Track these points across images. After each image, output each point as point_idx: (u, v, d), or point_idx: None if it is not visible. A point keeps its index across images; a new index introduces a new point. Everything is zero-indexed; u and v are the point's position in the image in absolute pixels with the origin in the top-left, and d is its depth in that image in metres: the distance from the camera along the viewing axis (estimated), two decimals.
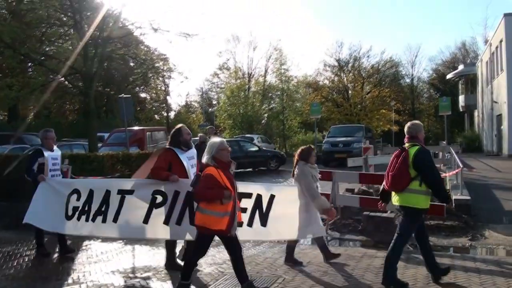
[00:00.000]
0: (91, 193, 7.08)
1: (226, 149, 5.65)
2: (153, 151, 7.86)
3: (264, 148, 25.86)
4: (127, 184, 7.06)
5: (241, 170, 21.43)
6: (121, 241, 8.75)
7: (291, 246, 7.23)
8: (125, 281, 6.58)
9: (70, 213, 7.15)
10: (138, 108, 46.32)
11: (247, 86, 48.96)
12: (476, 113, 48.09)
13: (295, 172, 6.99)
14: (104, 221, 6.94)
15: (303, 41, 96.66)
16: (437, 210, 8.82)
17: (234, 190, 5.61)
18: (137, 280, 6.62)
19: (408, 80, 66.95)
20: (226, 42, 57.27)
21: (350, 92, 57.65)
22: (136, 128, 24.08)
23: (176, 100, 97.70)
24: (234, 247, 5.67)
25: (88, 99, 19.06)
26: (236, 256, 5.67)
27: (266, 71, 51.54)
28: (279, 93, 44.63)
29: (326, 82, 60.01)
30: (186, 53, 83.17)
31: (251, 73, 53.08)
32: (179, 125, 7.04)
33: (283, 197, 6.87)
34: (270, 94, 46.90)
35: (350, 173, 11.29)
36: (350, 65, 58.47)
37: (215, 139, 5.82)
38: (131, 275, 6.89)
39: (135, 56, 26.39)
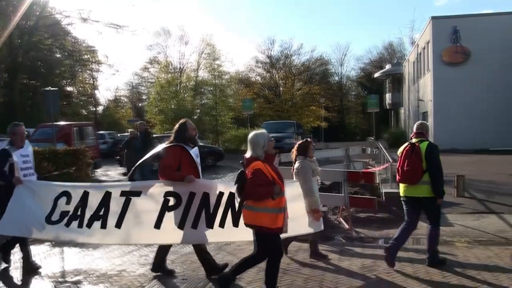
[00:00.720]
0: (85, 196, 6.28)
1: (272, 140, 5.34)
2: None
3: (201, 143, 25.45)
4: (132, 185, 6.33)
5: None
6: (49, 243, 8.20)
7: (315, 240, 7.00)
8: (55, 286, 6.12)
9: (55, 218, 6.27)
10: (64, 102, 44.38)
11: (178, 80, 48.20)
12: (402, 110, 49.96)
13: (295, 167, 6.66)
14: (103, 226, 6.15)
15: (236, 37, 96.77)
16: (368, 203, 9.23)
17: (283, 183, 5.22)
18: (67, 284, 6.18)
19: (337, 78, 68.81)
20: (156, 36, 55.90)
21: (281, 88, 58.36)
22: (62, 123, 23.00)
23: (104, 94, 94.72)
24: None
25: (12, 92, 18.00)
26: (258, 257, 5.36)
27: (198, 66, 51.11)
28: (211, 88, 44.30)
29: (258, 78, 60.44)
30: (115, 46, 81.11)
31: (183, 67, 52.44)
32: (184, 120, 6.38)
33: (292, 193, 6.30)
34: (202, 89, 46.48)
35: (283, 169, 11.10)
36: (281, 62, 59.15)
37: (259, 131, 5.45)
38: (60, 279, 6.43)
39: (63, 47, 25.29)
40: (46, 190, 6.55)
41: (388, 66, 53.97)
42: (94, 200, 6.21)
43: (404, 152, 6.41)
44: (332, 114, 57.83)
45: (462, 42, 31.59)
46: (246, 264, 5.39)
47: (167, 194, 5.98)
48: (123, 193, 6.13)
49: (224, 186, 6.20)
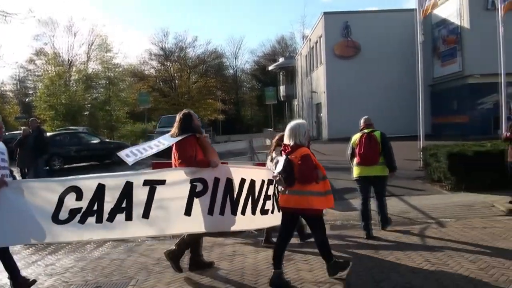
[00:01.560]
0: (100, 188, 5.54)
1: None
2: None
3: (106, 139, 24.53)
4: (154, 174, 5.96)
5: (85, 163, 20.81)
6: None
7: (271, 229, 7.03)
8: None
9: (64, 217, 5.45)
10: None
11: (67, 74, 45.69)
12: (295, 102, 51.41)
13: (272, 157, 6.52)
14: (129, 218, 5.59)
15: (128, 29, 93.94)
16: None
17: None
18: None
19: (232, 71, 69.21)
20: (43, 25, 51.62)
21: (176, 81, 57.46)
22: None
23: None
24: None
25: None
26: (320, 235, 5.61)
27: (88, 58, 48.70)
28: (104, 82, 42.58)
29: (152, 71, 59.04)
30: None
31: (72, 60, 49.71)
32: (187, 110, 6.21)
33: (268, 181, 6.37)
34: (94, 83, 44.48)
35: None
36: (176, 54, 58.18)
37: (299, 120, 5.72)
38: None
39: None
40: (43, 189, 5.62)
41: (281, 59, 55.21)
42: (113, 192, 5.58)
43: (363, 140, 7.66)
44: (228, 106, 58.15)
45: (352, 37, 33.05)
46: (322, 245, 5.60)
47: (193, 180, 5.76)
48: (146, 182, 5.66)
49: (246, 172, 6.27)
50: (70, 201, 5.42)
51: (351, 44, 33.18)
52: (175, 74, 57.78)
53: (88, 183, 5.55)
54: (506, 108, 13.72)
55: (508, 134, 9.12)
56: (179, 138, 5.82)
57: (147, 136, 29.08)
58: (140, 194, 5.61)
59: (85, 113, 42.12)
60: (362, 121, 8.11)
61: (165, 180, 5.71)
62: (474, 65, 26.36)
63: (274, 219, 6.36)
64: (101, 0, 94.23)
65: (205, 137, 6.02)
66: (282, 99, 53.82)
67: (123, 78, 46.92)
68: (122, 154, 5.82)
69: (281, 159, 5.37)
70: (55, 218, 5.38)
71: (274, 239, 6.23)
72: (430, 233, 7.61)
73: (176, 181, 5.76)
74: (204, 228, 5.88)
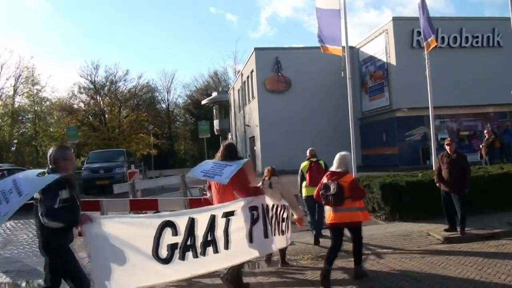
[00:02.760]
0: (191, 223, 5.54)
1: None
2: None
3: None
4: (229, 206, 5.99)
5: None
6: None
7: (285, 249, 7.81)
8: None
9: (165, 254, 5.27)
10: None
11: None
12: (230, 136, 51.46)
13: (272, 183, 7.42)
14: (216, 251, 5.72)
15: (56, 61, 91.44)
16: None
17: None
18: None
19: (164, 105, 68.51)
20: None
21: (107, 116, 55.99)
22: None
23: None
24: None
25: None
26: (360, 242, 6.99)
27: (15, 91, 46.62)
28: (31, 116, 40.87)
29: (82, 105, 57.24)
30: None
31: None
32: (229, 141, 7.00)
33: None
34: (20, 118, 42.60)
35: (120, 201, 10.17)
36: (106, 88, 56.81)
37: (345, 152, 7.20)
38: None
39: None
40: (135, 225, 5.32)
41: (214, 94, 55.32)
42: (201, 226, 5.65)
43: (313, 166, 9.56)
44: (161, 141, 57.29)
45: (283, 72, 33.63)
46: (359, 249, 6.97)
47: (251, 208, 6.09)
48: (224, 214, 5.87)
49: (270, 200, 6.73)
50: (168, 237, 5.33)
51: (282, 79, 33.74)
52: (106, 108, 56.20)
53: (181, 217, 5.54)
54: (435, 140, 14.20)
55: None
56: (237, 165, 5.99)
57: (75, 172, 28.01)
58: (220, 226, 5.79)
59: (12, 149, 40.18)
60: (308, 151, 10.01)
61: (234, 211, 5.96)
62: (401, 99, 27.47)
63: (285, 240, 7.20)
64: (27, 33, 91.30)
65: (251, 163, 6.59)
66: (216, 133, 53.74)
67: (51, 112, 45.27)
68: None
69: (332, 184, 6.65)
70: (157, 257, 5.24)
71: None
72: (368, 265, 7.58)
73: (241, 211, 6.01)
74: (262, 252, 6.57)
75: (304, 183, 9.62)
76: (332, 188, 6.60)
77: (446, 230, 9.32)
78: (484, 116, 28.93)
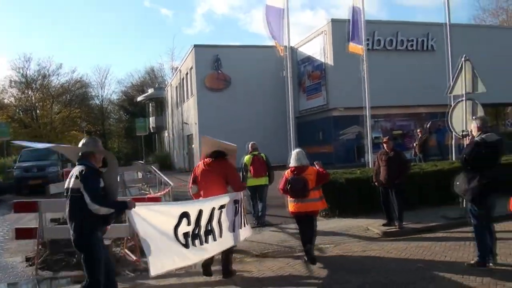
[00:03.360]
0: (199, 214, 6.30)
1: None
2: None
3: None
4: (223, 199, 6.87)
5: None
6: None
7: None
8: None
9: (183, 241, 5.98)
10: None
11: None
12: (166, 134, 50.79)
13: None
14: (214, 239, 6.54)
15: None
16: None
17: None
18: None
19: (97, 102, 66.67)
20: None
21: (38, 111, 53.91)
22: None
23: None
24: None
25: None
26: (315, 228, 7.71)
27: None
28: None
29: (12, 100, 54.73)
30: None
31: None
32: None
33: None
34: None
35: (58, 201, 8.99)
36: (38, 82, 54.64)
37: (300, 148, 8.09)
38: None
39: None
40: (165, 212, 5.99)
41: (150, 90, 54.35)
42: (205, 217, 6.39)
43: (255, 159, 10.70)
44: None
45: (223, 70, 33.56)
46: (314, 235, 7.70)
47: (235, 202, 7.09)
48: (219, 207, 6.69)
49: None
50: (184, 226, 5.98)
51: (222, 77, 33.65)
52: (37, 104, 54.06)
53: (194, 208, 6.26)
54: (370, 139, 14.67)
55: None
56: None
57: (7, 171, 26.84)
58: (215, 217, 6.58)
59: None
60: (250, 145, 10.97)
61: (225, 204, 6.83)
62: (338, 99, 28.09)
63: (248, 231, 7.78)
64: None
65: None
66: (152, 130, 52.89)
67: None
68: None
69: (298, 178, 7.38)
70: (179, 242, 5.90)
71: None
72: None
73: (228, 204, 6.89)
74: (234, 242, 7.07)
75: (248, 175, 10.68)
76: (300, 182, 7.35)
77: (384, 225, 9.71)
78: (416, 116, 30.04)
